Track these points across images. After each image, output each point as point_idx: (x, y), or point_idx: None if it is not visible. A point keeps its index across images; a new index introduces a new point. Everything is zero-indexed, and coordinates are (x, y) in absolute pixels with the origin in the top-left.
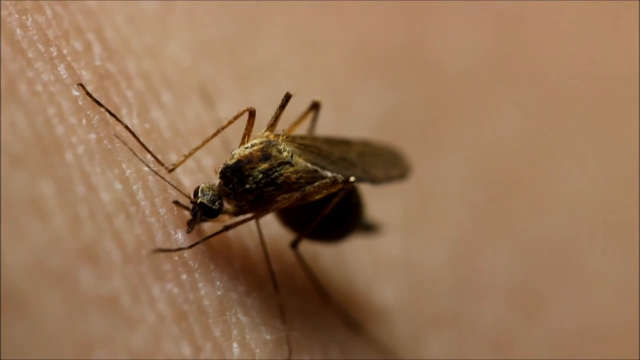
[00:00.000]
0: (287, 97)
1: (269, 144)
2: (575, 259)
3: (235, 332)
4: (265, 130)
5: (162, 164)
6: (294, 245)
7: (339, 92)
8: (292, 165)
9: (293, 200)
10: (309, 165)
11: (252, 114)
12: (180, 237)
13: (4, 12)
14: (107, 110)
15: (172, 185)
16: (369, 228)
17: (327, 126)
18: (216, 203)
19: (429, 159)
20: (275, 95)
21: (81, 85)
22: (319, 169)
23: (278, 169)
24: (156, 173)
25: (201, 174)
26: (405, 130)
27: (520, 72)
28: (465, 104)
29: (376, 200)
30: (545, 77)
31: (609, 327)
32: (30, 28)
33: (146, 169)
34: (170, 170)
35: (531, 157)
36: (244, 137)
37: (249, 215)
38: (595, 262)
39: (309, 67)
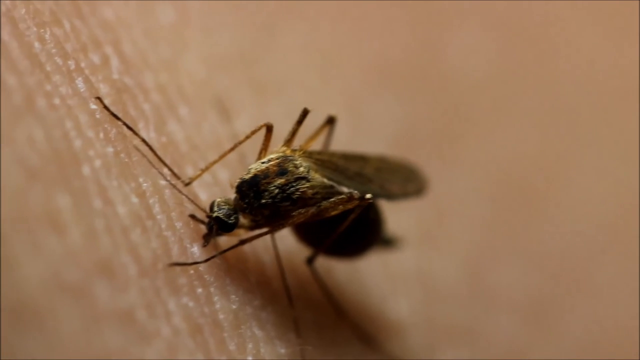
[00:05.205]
0: (305, 113)
1: (285, 159)
2: (590, 272)
3: (250, 345)
4: (282, 145)
5: (179, 178)
6: (310, 261)
7: (356, 106)
8: (308, 181)
9: (309, 216)
10: (325, 180)
11: (269, 129)
12: (196, 251)
13: (22, 25)
14: (124, 123)
15: (188, 199)
16: (388, 243)
17: (344, 140)
18: (232, 217)
19: (444, 173)
20: (292, 109)
21: (99, 98)
22: (335, 184)
23: (294, 184)
24: (173, 187)
25: (217, 188)
26: (421, 145)
27: (535, 85)
28: (481, 118)
29: (390, 214)
30: (560, 89)
31: (624, 340)
32: (49, 41)
33: (163, 182)
34: (187, 184)
35: (545, 171)
36: (260, 152)
37: (264, 229)
38: (610, 276)
39: (325, 80)
